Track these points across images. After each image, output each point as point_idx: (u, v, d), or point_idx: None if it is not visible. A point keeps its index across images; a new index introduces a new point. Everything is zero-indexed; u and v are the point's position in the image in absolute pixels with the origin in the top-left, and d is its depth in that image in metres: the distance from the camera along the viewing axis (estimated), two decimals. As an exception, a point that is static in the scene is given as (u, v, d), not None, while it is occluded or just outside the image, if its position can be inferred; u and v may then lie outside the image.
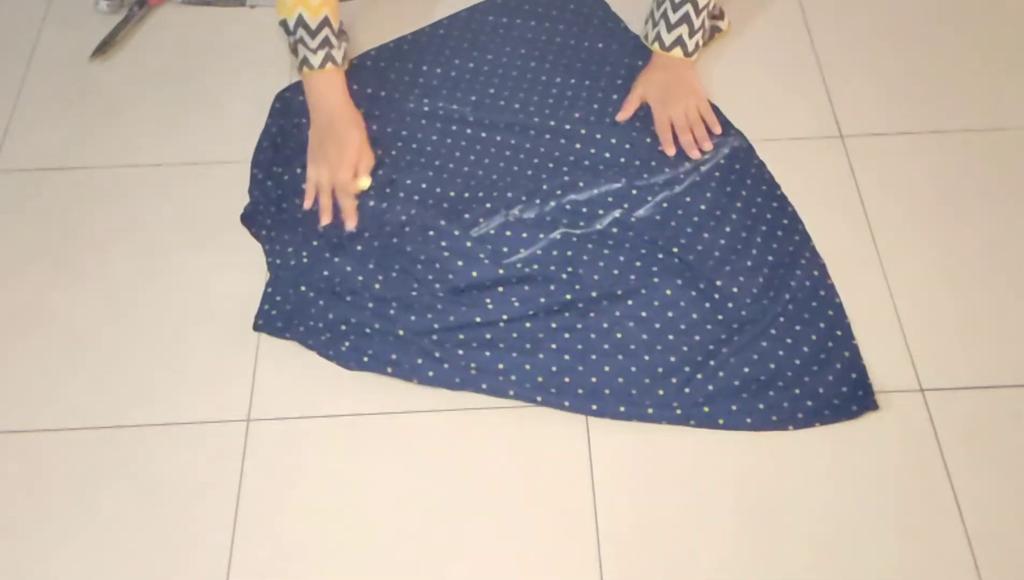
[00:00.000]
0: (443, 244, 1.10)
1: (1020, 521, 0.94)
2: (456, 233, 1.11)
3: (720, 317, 1.06)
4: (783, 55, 1.31)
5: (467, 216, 1.13)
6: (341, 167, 1.12)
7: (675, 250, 1.10)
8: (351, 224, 1.12)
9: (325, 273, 1.09)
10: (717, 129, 1.20)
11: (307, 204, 1.13)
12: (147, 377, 1.05)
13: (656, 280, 1.08)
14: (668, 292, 1.07)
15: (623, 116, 1.21)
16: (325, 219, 1.12)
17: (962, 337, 1.06)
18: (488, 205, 1.14)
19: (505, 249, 1.11)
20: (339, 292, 1.08)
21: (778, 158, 1.20)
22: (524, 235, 1.12)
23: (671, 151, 1.18)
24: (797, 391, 1.01)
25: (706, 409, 1.00)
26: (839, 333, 1.05)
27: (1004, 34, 1.33)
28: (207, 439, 1.00)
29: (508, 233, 1.12)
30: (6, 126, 1.27)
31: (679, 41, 1.21)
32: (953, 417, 1.00)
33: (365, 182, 1.14)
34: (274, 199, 1.17)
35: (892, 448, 0.98)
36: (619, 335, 1.05)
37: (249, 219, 1.16)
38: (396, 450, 0.99)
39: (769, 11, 1.37)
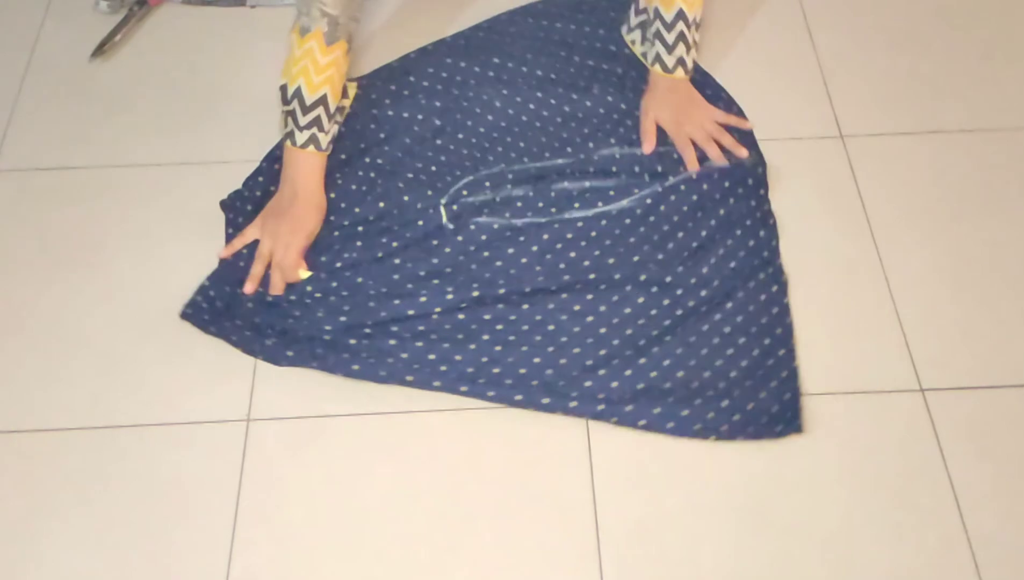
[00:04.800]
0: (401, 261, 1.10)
1: (1020, 521, 0.94)
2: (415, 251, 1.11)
3: (654, 312, 1.05)
4: (783, 55, 1.31)
5: (452, 189, 1.15)
6: (289, 251, 1.09)
7: (645, 248, 1.10)
8: (275, 291, 1.08)
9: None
10: (746, 125, 1.21)
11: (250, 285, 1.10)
12: (147, 377, 1.05)
13: (592, 275, 1.08)
14: (603, 287, 1.07)
15: (648, 148, 1.18)
16: (250, 287, 1.08)
17: (962, 337, 1.06)
18: (481, 180, 1.16)
19: (472, 226, 1.12)
20: (270, 301, 1.08)
21: (778, 158, 1.20)
22: (506, 213, 1.14)
23: (697, 166, 1.16)
24: (725, 403, 0.99)
25: (629, 408, 0.99)
26: (782, 352, 1.03)
27: (1003, 34, 1.34)
28: (207, 439, 1.00)
29: (486, 210, 1.14)
30: (6, 126, 1.27)
31: (680, 62, 1.20)
32: (953, 417, 1.00)
33: (304, 273, 1.10)
34: (255, 197, 1.16)
35: (892, 448, 0.98)
36: (551, 327, 1.05)
37: (227, 205, 1.16)
38: (395, 450, 0.99)
39: (769, 11, 1.37)
